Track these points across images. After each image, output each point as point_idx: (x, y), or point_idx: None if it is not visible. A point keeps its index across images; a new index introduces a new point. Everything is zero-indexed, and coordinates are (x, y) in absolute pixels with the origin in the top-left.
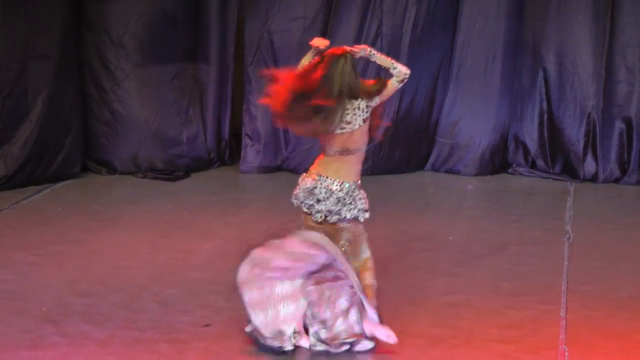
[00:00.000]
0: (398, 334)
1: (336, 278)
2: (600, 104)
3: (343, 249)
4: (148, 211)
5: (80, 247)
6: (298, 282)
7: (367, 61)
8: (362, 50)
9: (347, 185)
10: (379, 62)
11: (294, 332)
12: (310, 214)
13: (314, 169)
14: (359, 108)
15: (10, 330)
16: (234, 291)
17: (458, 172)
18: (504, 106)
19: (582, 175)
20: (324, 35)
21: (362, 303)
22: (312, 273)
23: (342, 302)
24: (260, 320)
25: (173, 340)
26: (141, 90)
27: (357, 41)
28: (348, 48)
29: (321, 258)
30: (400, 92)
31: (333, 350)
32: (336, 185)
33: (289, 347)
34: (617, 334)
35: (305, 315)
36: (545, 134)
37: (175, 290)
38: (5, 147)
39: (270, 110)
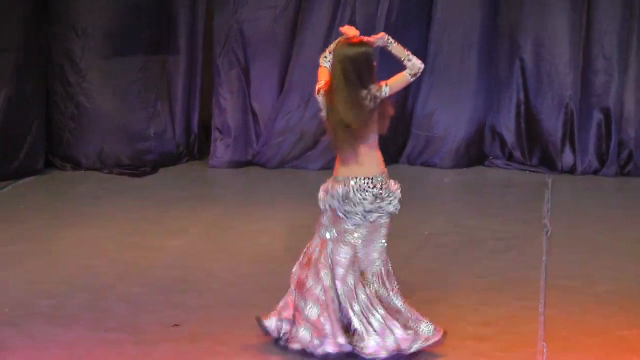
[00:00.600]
0: None
1: None
2: (578, 94)
3: (383, 244)
4: (114, 208)
5: (44, 245)
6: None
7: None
8: (380, 38)
9: (379, 178)
10: (394, 52)
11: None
12: (346, 218)
13: (337, 172)
14: (366, 97)
15: None
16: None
17: (434, 165)
18: (480, 97)
19: (560, 167)
20: (295, 24)
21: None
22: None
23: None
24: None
25: (140, 341)
26: (107, 83)
27: (330, 31)
28: (365, 38)
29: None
30: None
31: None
32: (368, 182)
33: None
34: (597, 330)
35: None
36: (522, 125)
37: (142, 289)
38: None
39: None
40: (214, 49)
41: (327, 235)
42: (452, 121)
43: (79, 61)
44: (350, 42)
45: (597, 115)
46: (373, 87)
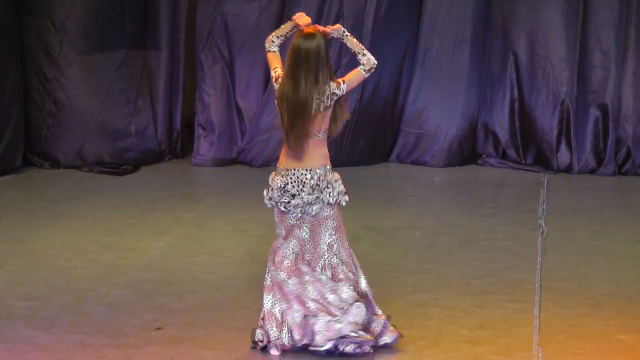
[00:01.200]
0: None
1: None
2: (574, 90)
3: (331, 239)
4: (94, 207)
5: (22, 246)
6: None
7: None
8: (336, 30)
9: (318, 170)
10: (349, 45)
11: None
12: (288, 212)
13: (280, 164)
14: (323, 93)
15: None
16: None
17: (425, 164)
18: (472, 93)
19: (556, 166)
20: (281, 17)
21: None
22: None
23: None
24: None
25: (122, 345)
26: (86, 79)
27: (317, 24)
28: (321, 28)
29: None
30: None
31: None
32: (306, 174)
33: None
34: (593, 334)
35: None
36: (517, 123)
37: (123, 292)
38: None
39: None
40: (196, 43)
41: (277, 231)
42: (443, 118)
43: (57, 56)
44: (305, 34)
45: (594, 112)
46: (332, 84)
